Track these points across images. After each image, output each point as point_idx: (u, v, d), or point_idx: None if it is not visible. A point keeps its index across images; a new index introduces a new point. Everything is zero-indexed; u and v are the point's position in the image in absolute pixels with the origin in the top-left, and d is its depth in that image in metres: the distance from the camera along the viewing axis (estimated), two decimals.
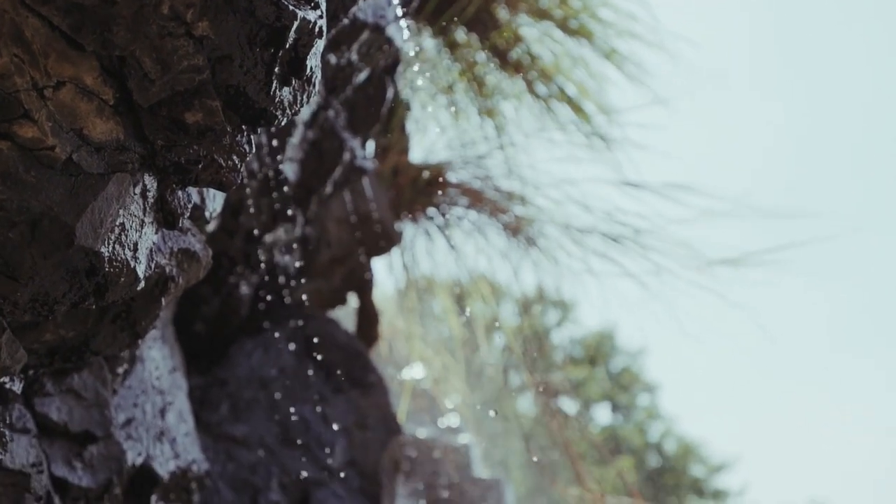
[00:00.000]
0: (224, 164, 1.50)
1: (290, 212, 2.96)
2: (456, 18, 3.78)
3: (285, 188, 2.85)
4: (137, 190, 1.48)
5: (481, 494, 3.88)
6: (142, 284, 1.58)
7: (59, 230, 1.38)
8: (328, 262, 3.53)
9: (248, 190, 2.69)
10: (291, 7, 1.40)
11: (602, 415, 16.89)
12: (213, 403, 3.04)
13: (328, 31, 2.37)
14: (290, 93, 1.49)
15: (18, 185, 1.33)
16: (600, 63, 4.10)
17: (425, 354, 4.69)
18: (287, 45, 1.43)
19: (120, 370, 2.14)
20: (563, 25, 4.04)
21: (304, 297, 3.41)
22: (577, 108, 4.12)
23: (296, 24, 1.41)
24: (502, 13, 3.97)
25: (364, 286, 3.89)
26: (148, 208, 1.53)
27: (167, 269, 1.76)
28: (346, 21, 2.57)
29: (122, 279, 1.51)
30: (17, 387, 1.80)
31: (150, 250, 1.62)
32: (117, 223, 1.46)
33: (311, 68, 1.51)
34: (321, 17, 1.48)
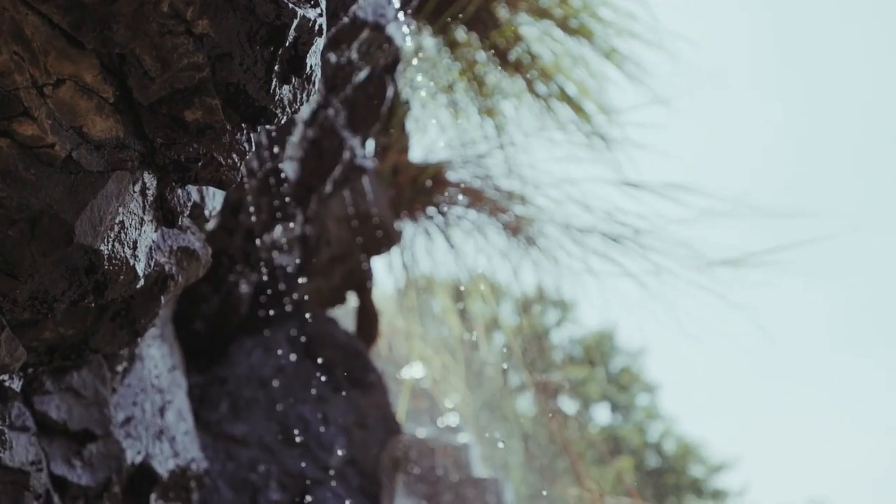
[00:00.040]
0: (224, 163, 1.50)
1: (289, 210, 2.96)
2: (457, 17, 3.78)
3: (285, 187, 2.85)
4: (137, 188, 1.48)
5: (480, 494, 3.88)
6: (141, 282, 1.58)
7: (59, 228, 1.38)
8: (328, 261, 3.53)
9: (247, 188, 2.69)
10: (291, 5, 1.40)
11: (601, 415, 16.89)
12: (212, 402, 3.04)
13: (328, 30, 2.36)
14: (289, 91, 1.49)
15: (18, 183, 1.33)
16: (600, 62, 4.10)
17: (425, 354, 4.69)
18: (287, 44, 1.43)
19: (119, 368, 2.14)
20: (564, 25, 4.04)
21: (303, 296, 3.41)
22: (577, 108, 4.12)
23: (295, 22, 1.41)
24: (502, 12, 3.97)
25: (364, 285, 3.89)
26: (147, 206, 1.53)
27: (167, 268, 1.76)
28: (346, 19, 2.57)
29: (122, 277, 1.51)
30: (17, 385, 1.80)
31: (150, 248, 1.62)
32: (117, 221, 1.46)
33: (311, 66, 1.51)
34: (321, 15, 1.48)
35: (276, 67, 1.43)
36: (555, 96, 4.11)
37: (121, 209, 1.46)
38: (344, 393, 3.29)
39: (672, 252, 4.13)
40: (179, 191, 1.60)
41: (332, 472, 3.06)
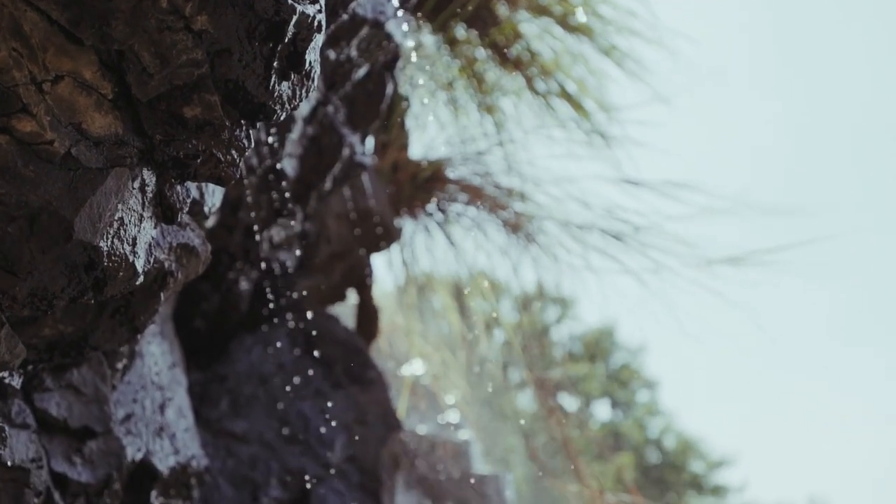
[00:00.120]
0: (223, 159, 1.50)
1: (289, 208, 2.96)
2: (457, 14, 3.78)
3: (284, 184, 2.85)
4: (136, 184, 1.48)
5: (481, 490, 3.88)
6: (140, 279, 1.58)
7: (58, 224, 1.38)
8: (328, 259, 3.53)
9: (247, 186, 2.69)
10: (290, 1, 1.40)
11: (602, 411, 16.91)
12: (212, 399, 3.05)
13: (327, 27, 2.36)
14: (288, 87, 1.49)
15: (17, 180, 1.33)
16: (600, 60, 4.10)
17: (425, 350, 4.69)
18: (286, 40, 1.43)
19: (119, 366, 2.14)
20: (563, 22, 4.03)
21: (303, 293, 3.41)
22: (576, 105, 4.11)
23: (294, 18, 1.41)
24: (502, 9, 3.97)
25: (364, 282, 3.89)
26: (147, 203, 1.53)
27: (166, 264, 1.76)
28: (345, 16, 2.57)
29: (121, 274, 1.51)
30: (17, 382, 1.80)
31: (149, 245, 1.62)
32: (116, 218, 1.46)
33: (310, 63, 1.51)
34: (320, 11, 1.48)
35: (275, 64, 1.43)
36: (554, 94, 4.11)
37: (120, 206, 1.46)
38: (344, 390, 3.29)
39: (672, 249, 4.13)
40: (178, 187, 1.60)
41: (332, 469, 3.07)
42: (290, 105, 1.51)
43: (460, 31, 3.96)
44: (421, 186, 4.02)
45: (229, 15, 1.35)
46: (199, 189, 1.91)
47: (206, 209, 1.95)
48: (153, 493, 2.25)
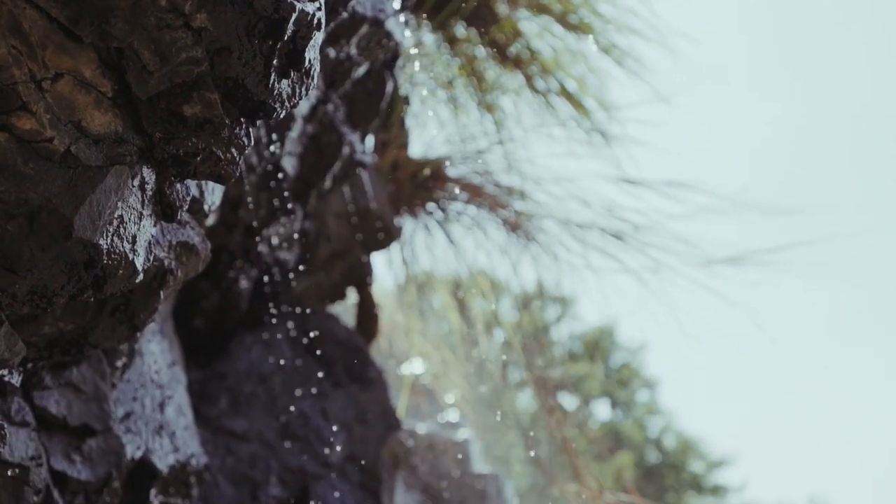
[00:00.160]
0: (222, 157, 1.50)
1: (289, 206, 2.96)
2: (457, 12, 3.77)
3: (284, 182, 2.85)
4: (136, 182, 1.48)
5: (481, 489, 3.88)
6: (140, 277, 1.58)
7: (58, 222, 1.37)
8: (327, 257, 3.53)
9: (246, 184, 2.69)
10: None
11: (601, 410, 16.92)
12: (212, 397, 3.05)
13: (327, 25, 2.36)
14: (288, 85, 1.49)
15: (17, 178, 1.33)
16: (600, 58, 4.10)
17: (425, 350, 4.69)
18: (285, 38, 1.42)
19: (119, 364, 2.14)
20: (563, 20, 4.03)
21: (303, 291, 3.41)
22: (576, 104, 4.11)
23: (294, 15, 1.41)
24: (502, 8, 3.97)
25: (363, 281, 3.89)
26: (146, 201, 1.53)
27: (166, 262, 1.76)
28: (345, 14, 2.57)
29: (121, 272, 1.51)
30: (16, 380, 1.80)
31: (149, 243, 1.62)
32: (116, 215, 1.46)
33: (310, 60, 1.51)
34: (319, 9, 1.47)
35: (274, 61, 1.43)
36: (554, 92, 4.11)
37: (119, 203, 1.46)
38: (344, 389, 3.29)
39: (672, 249, 4.13)
40: (178, 185, 1.60)
41: (332, 468, 3.07)
42: (289, 103, 1.51)
43: (460, 30, 3.96)
44: (421, 185, 4.02)
45: (229, 13, 1.35)
46: (199, 187, 1.91)
47: (205, 207, 1.95)
48: (153, 492, 2.25)
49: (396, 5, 2.91)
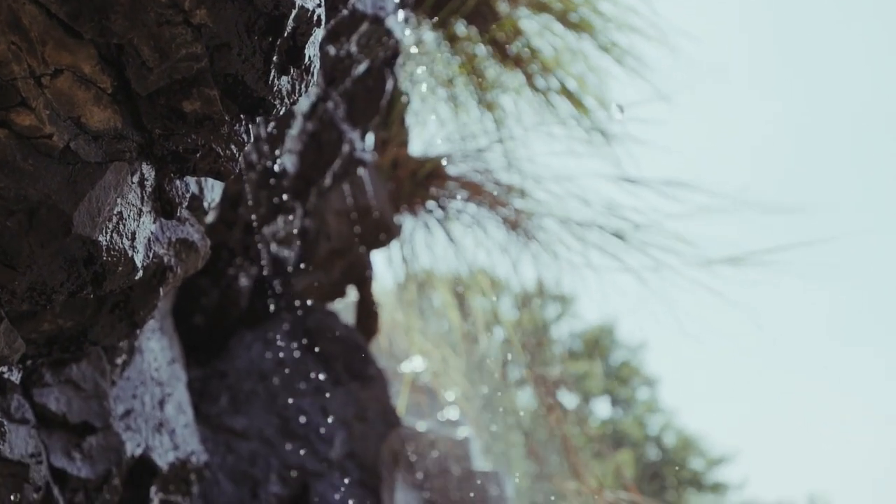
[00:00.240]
0: (222, 154, 1.50)
1: (288, 204, 2.96)
2: (457, 11, 3.77)
3: (284, 180, 2.85)
4: (135, 179, 1.48)
5: (481, 487, 3.88)
6: (140, 274, 1.58)
7: (57, 219, 1.37)
8: (327, 255, 3.53)
9: (246, 181, 2.69)
10: None
11: (601, 408, 16.92)
12: (212, 395, 3.05)
13: (327, 22, 2.36)
14: (288, 82, 1.49)
15: (16, 174, 1.33)
16: (600, 57, 4.10)
17: (425, 347, 4.69)
18: (285, 34, 1.42)
19: (119, 361, 2.14)
20: (563, 18, 4.03)
21: (303, 289, 3.41)
22: (576, 103, 4.11)
23: (294, 12, 1.41)
24: (502, 6, 3.97)
25: (363, 279, 3.89)
26: (146, 197, 1.53)
27: (165, 259, 1.76)
28: (345, 12, 2.57)
29: (120, 268, 1.51)
30: (16, 377, 1.79)
31: (148, 240, 1.62)
32: (115, 212, 1.46)
33: (310, 57, 1.51)
34: (319, 6, 1.47)
35: (274, 58, 1.43)
36: (554, 90, 4.11)
37: (119, 200, 1.45)
38: (344, 386, 3.29)
39: (672, 248, 4.13)
40: (178, 182, 1.60)
41: (332, 466, 3.07)
42: (289, 100, 1.51)
43: (460, 28, 3.96)
44: (421, 183, 4.02)
45: (228, 9, 1.35)
46: (199, 184, 1.91)
47: (205, 204, 1.95)
48: (152, 489, 2.25)
49: (397, 3, 2.91)
